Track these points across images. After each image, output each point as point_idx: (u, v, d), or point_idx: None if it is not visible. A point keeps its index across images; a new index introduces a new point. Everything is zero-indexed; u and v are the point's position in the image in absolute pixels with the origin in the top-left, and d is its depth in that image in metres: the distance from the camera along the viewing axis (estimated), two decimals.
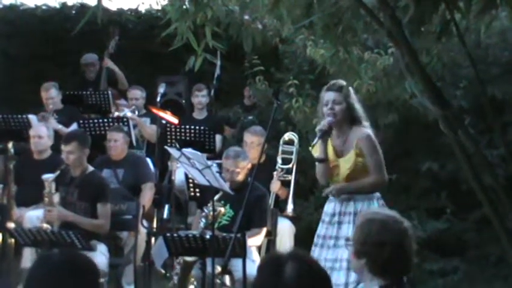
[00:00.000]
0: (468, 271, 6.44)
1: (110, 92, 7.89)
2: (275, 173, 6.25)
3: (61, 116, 7.48)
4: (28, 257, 6.13)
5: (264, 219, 5.49)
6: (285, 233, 6.13)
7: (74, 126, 7.14)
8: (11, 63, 9.30)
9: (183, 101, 8.68)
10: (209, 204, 5.15)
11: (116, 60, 8.50)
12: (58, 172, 5.49)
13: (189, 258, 5.19)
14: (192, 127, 6.95)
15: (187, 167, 4.97)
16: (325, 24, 2.74)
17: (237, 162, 5.48)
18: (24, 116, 7.04)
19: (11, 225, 5.95)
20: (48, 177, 5.54)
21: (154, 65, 9.11)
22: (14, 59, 9.34)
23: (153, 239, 6.00)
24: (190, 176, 5.65)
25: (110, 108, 7.77)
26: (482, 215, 6.67)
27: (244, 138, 6.38)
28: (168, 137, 6.93)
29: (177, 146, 4.97)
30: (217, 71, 8.05)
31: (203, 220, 5.27)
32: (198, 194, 6.20)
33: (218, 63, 7.75)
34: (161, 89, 7.69)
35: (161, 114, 7.09)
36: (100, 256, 5.38)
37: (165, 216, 6.61)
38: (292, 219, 6.29)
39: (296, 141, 6.44)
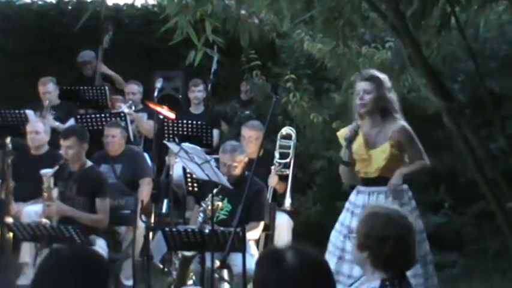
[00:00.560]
0: (466, 265, 6.46)
1: (106, 87, 7.88)
2: (273, 167, 6.26)
3: (58, 111, 7.46)
4: (26, 252, 6.14)
5: (261, 213, 5.49)
6: (283, 228, 6.14)
7: (71, 122, 7.12)
8: (7, 58, 9.27)
9: (180, 96, 8.66)
10: (207, 199, 5.15)
11: (112, 55, 8.48)
12: (57, 167, 5.48)
13: (187, 254, 5.19)
14: (190, 122, 6.95)
15: (186, 161, 4.97)
16: (325, 19, 2.74)
17: (234, 156, 5.48)
18: (21, 111, 7.02)
19: (9, 220, 5.94)
20: (46, 172, 5.53)
21: (151, 60, 9.09)
22: (10, 54, 9.31)
23: (151, 234, 5.99)
24: (188, 170, 5.65)
25: (107, 103, 7.76)
26: (481, 209, 6.70)
27: (242, 133, 6.37)
28: (166, 131, 6.92)
29: (176, 140, 4.96)
30: (214, 66, 8.05)
31: (201, 215, 5.27)
32: (196, 189, 6.20)
33: (215, 58, 7.74)
34: (158, 84, 7.68)
35: (158, 109, 7.08)
36: (99, 251, 5.36)
37: (163, 210, 6.60)
38: (290, 213, 6.30)
39: (294, 135, 6.45)
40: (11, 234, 5.75)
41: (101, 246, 5.52)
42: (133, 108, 7.44)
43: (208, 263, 4.91)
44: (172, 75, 8.72)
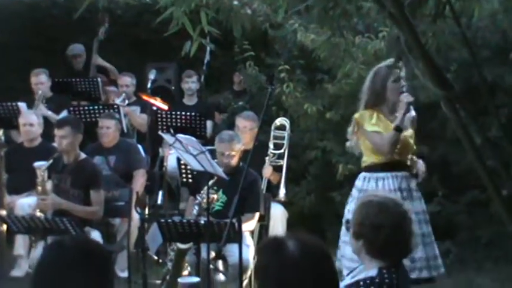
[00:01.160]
0: (459, 253, 6.49)
1: (99, 79, 7.85)
2: (267, 158, 6.27)
3: (50, 103, 7.43)
4: (20, 244, 6.14)
5: (256, 204, 5.50)
6: (278, 218, 6.15)
7: (64, 114, 7.10)
8: None
9: (173, 88, 8.65)
10: (202, 192, 5.15)
11: (104, 46, 8.45)
12: (51, 161, 5.46)
13: (183, 246, 5.19)
14: (183, 113, 6.95)
15: (181, 152, 4.97)
16: (322, 8, 2.74)
17: (232, 145, 5.48)
18: (13, 104, 7.00)
19: (2, 212, 5.93)
20: (40, 165, 5.52)
21: (143, 51, 9.07)
22: (1, 47, 9.26)
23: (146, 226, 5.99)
24: (184, 161, 5.65)
25: (100, 95, 7.74)
26: (473, 197, 6.74)
27: (236, 123, 6.37)
28: (159, 123, 6.92)
29: (172, 131, 4.95)
30: (207, 57, 8.02)
31: (196, 208, 5.27)
32: (190, 180, 6.21)
33: (208, 49, 7.72)
34: (151, 76, 7.66)
35: (151, 100, 7.07)
36: None
37: (159, 202, 6.60)
38: (284, 204, 6.32)
39: (288, 126, 6.46)
40: (4, 227, 5.75)
41: (95, 238, 5.52)
42: (126, 101, 7.42)
43: (203, 254, 4.92)
44: (165, 66, 8.70)
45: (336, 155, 6.97)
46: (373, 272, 2.89)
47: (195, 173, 5.71)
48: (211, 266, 5.07)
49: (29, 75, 7.57)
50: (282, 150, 6.32)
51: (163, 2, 3.25)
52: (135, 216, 6.03)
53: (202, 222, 4.85)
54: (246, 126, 6.24)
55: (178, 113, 6.94)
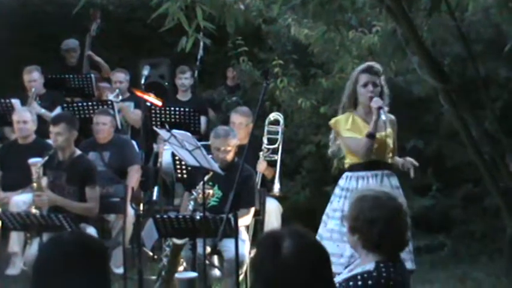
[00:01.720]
0: (454, 247, 6.52)
1: (92, 76, 7.83)
2: (261, 153, 6.27)
3: (44, 100, 7.41)
4: (15, 241, 6.13)
5: (252, 199, 5.50)
6: (272, 213, 6.16)
7: (58, 110, 7.08)
8: None
9: (166, 83, 8.64)
10: (198, 187, 5.15)
11: (97, 42, 8.43)
12: (46, 157, 5.45)
13: (178, 242, 5.19)
14: (177, 109, 6.94)
15: (176, 148, 4.96)
16: (319, 3, 2.74)
17: (228, 141, 5.47)
18: (7, 101, 6.98)
19: None
20: (35, 161, 5.50)
21: (136, 47, 9.05)
22: None
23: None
24: (179, 157, 5.64)
25: (93, 92, 7.72)
26: (467, 191, 6.77)
27: (231, 119, 6.36)
28: (153, 119, 6.91)
29: (167, 127, 4.94)
30: (200, 53, 8.02)
31: (192, 203, 5.27)
32: (185, 176, 6.20)
33: (201, 44, 7.71)
34: (145, 72, 7.63)
35: (145, 96, 7.06)
36: None
37: (154, 198, 6.60)
38: (279, 198, 6.33)
39: (281, 121, 6.46)
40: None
41: (91, 234, 5.51)
42: (120, 97, 7.41)
43: (199, 250, 4.92)
44: (158, 62, 8.68)
45: None
46: (370, 266, 2.90)
47: (190, 168, 5.70)
48: (206, 262, 5.07)
49: (21, 71, 7.54)
50: (276, 145, 6.32)
51: None
52: (130, 212, 6.04)
53: (198, 217, 4.84)
54: (242, 122, 6.24)
55: (173, 108, 6.93)
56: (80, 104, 7.04)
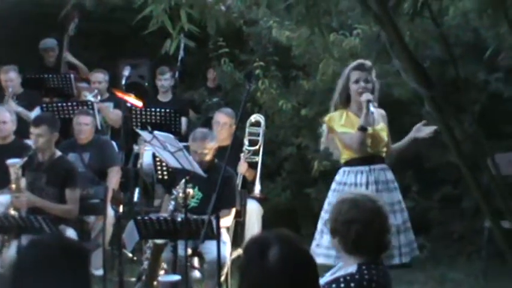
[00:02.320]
0: (433, 249, 6.57)
1: (72, 75, 7.78)
2: (242, 154, 6.27)
3: (21, 100, 7.35)
4: None
5: (232, 200, 5.50)
6: (253, 214, 6.17)
7: (37, 111, 7.03)
8: None
9: (146, 84, 8.61)
10: (178, 187, 5.14)
11: (76, 42, 8.38)
12: (26, 158, 5.40)
13: (159, 242, 5.18)
14: (158, 110, 6.92)
15: (159, 150, 4.95)
16: (305, 7, 2.75)
17: (205, 143, 5.47)
18: None
19: None
20: (14, 162, 5.45)
21: (115, 47, 9.01)
22: None
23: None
24: (161, 158, 5.62)
25: (72, 92, 7.67)
26: (446, 193, 6.82)
27: (216, 118, 6.35)
28: (134, 120, 6.88)
29: (149, 128, 4.93)
30: (181, 53, 8.00)
31: (172, 203, 5.25)
32: (166, 177, 6.19)
33: (182, 45, 7.71)
34: (126, 72, 7.61)
35: (126, 97, 7.03)
36: None
37: (135, 199, 6.57)
38: (259, 200, 6.33)
39: (263, 122, 6.48)
40: None
41: (70, 235, 5.47)
42: (99, 97, 7.37)
43: (180, 251, 4.91)
44: (138, 62, 8.66)
45: (311, 151, 7.01)
46: (352, 268, 2.91)
47: (170, 169, 5.69)
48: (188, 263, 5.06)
49: None
50: (257, 147, 6.33)
51: None
52: (110, 213, 6.01)
53: (179, 219, 4.84)
54: (226, 123, 6.26)
55: (153, 109, 6.91)
56: (59, 105, 6.99)
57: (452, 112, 2.62)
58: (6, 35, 9.11)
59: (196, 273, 5.69)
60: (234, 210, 5.52)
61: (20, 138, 6.44)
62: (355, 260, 2.93)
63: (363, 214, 2.89)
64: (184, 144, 5.73)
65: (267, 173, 6.68)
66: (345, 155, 4.73)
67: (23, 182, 5.54)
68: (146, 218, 4.97)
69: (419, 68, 2.57)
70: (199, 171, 4.96)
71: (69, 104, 7.01)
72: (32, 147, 5.58)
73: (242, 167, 6.23)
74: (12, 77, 7.38)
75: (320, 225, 4.74)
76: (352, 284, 2.83)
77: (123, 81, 7.48)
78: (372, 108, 4.53)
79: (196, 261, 5.61)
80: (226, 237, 5.41)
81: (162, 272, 5.22)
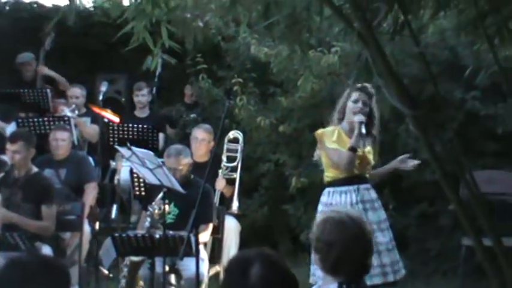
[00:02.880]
0: (410, 266, 6.56)
1: (48, 90, 7.71)
2: (220, 171, 6.26)
3: None
4: None
5: (209, 215, 5.48)
6: (231, 231, 6.14)
7: (12, 126, 6.95)
8: None
9: (123, 99, 8.56)
10: (154, 203, 5.11)
11: (52, 57, 8.31)
12: (2, 174, 5.34)
13: (136, 259, 5.14)
14: (135, 125, 6.88)
15: (137, 166, 4.92)
16: (286, 25, 2.76)
17: (179, 160, 5.46)
18: None
19: None
20: None
21: (92, 61, 8.96)
22: None
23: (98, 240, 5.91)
24: (140, 175, 5.58)
25: (49, 107, 7.59)
26: (422, 210, 6.85)
27: (194, 134, 6.33)
28: (111, 135, 6.84)
29: (128, 145, 4.89)
30: (159, 69, 7.97)
31: (148, 219, 5.22)
32: (143, 193, 6.14)
33: (160, 60, 7.67)
34: (103, 88, 7.55)
35: (103, 113, 6.99)
36: None
37: (113, 216, 6.51)
38: (237, 216, 6.32)
39: (241, 139, 6.47)
40: None
41: (46, 252, 5.41)
42: (76, 112, 7.31)
43: (158, 268, 4.87)
44: (115, 77, 8.61)
45: (289, 167, 7.01)
46: (333, 286, 2.89)
47: (148, 186, 5.65)
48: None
49: None
50: (235, 163, 6.32)
51: (128, 13, 3.21)
52: (87, 229, 5.95)
53: (157, 236, 4.80)
54: (204, 139, 6.24)
55: (130, 125, 6.87)
56: (35, 120, 6.91)
57: (434, 131, 2.63)
58: None
59: None
60: (211, 226, 5.49)
61: None
62: (335, 279, 2.91)
63: (345, 238, 2.83)
64: (162, 159, 5.71)
65: (244, 189, 6.66)
66: (329, 174, 4.76)
67: None
68: (124, 235, 4.94)
69: (402, 87, 2.59)
70: (179, 187, 4.94)
71: (46, 119, 6.93)
72: (8, 163, 5.52)
73: (220, 184, 6.22)
74: None
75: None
76: None
77: (100, 97, 7.43)
78: (363, 130, 4.57)
79: (173, 278, 5.56)
80: (204, 254, 5.38)
81: None
